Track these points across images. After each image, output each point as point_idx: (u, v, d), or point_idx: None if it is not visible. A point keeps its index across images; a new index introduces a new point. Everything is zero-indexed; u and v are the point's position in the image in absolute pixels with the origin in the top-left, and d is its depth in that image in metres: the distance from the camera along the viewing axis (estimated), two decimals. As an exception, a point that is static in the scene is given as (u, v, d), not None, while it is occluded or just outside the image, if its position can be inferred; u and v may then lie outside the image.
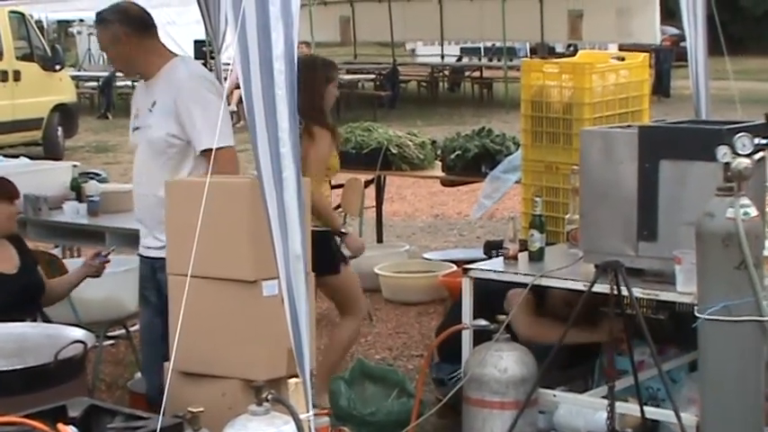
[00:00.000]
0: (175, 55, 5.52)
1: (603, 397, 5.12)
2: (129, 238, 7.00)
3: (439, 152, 9.40)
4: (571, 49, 24.37)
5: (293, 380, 4.00)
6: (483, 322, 5.29)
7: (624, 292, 4.89)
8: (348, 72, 27.78)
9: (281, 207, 4.01)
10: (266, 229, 4.05)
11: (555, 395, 5.31)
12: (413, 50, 37.19)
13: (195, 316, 4.30)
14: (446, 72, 31.29)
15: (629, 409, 5.14)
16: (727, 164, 4.30)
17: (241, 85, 4.02)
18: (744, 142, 4.35)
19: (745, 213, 4.21)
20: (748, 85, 27.75)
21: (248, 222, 4.33)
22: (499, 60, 29.01)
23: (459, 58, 34.19)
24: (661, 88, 27.87)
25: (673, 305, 5.48)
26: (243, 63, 4.00)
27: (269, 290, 4.35)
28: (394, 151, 9.19)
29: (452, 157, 8.95)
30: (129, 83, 27.37)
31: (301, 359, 4.01)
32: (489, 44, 32.01)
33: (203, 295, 4.42)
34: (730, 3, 45.83)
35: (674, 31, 30.71)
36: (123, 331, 7.06)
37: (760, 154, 4.48)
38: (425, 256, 9.72)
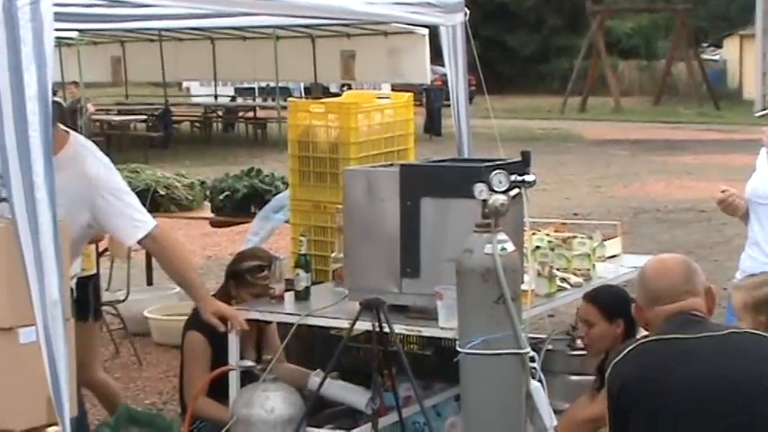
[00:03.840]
0: None
1: (369, 433, 5.16)
2: None
3: (208, 193, 9.36)
4: (345, 88, 24.64)
5: (53, 428, 3.94)
6: (249, 363, 5.28)
7: (387, 328, 4.94)
8: (119, 113, 27.49)
9: (38, 252, 3.94)
10: (22, 274, 3.96)
11: (322, 434, 5.32)
12: (188, 90, 37.00)
13: (-51, 366, 4.16)
14: (220, 112, 31.24)
15: (396, 445, 5.19)
16: (484, 201, 4.41)
17: (-7, 126, 3.93)
18: (500, 179, 4.47)
19: (503, 249, 4.31)
20: (515, 123, 28.58)
21: (3, 268, 4.21)
22: (273, 100, 29.10)
23: (234, 99, 34.17)
24: (433, 127, 28.48)
25: (438, 340, 5.56)
26: (-6, 105, 3.92)
27: (26, 337, 4.23)
28: (162, 193, 9.14)
29: (221, 197, 8.93)
30: None
31: (60, 407, 3.94)
32: (264, 84, 32.08)
33: (-43, 344, 4.27)
34: (499, 43, 47.23)
35: (444, 70, 31.34)
36: None
37: (515, 190, 4.60)
38: (197, 297, 9.61)
